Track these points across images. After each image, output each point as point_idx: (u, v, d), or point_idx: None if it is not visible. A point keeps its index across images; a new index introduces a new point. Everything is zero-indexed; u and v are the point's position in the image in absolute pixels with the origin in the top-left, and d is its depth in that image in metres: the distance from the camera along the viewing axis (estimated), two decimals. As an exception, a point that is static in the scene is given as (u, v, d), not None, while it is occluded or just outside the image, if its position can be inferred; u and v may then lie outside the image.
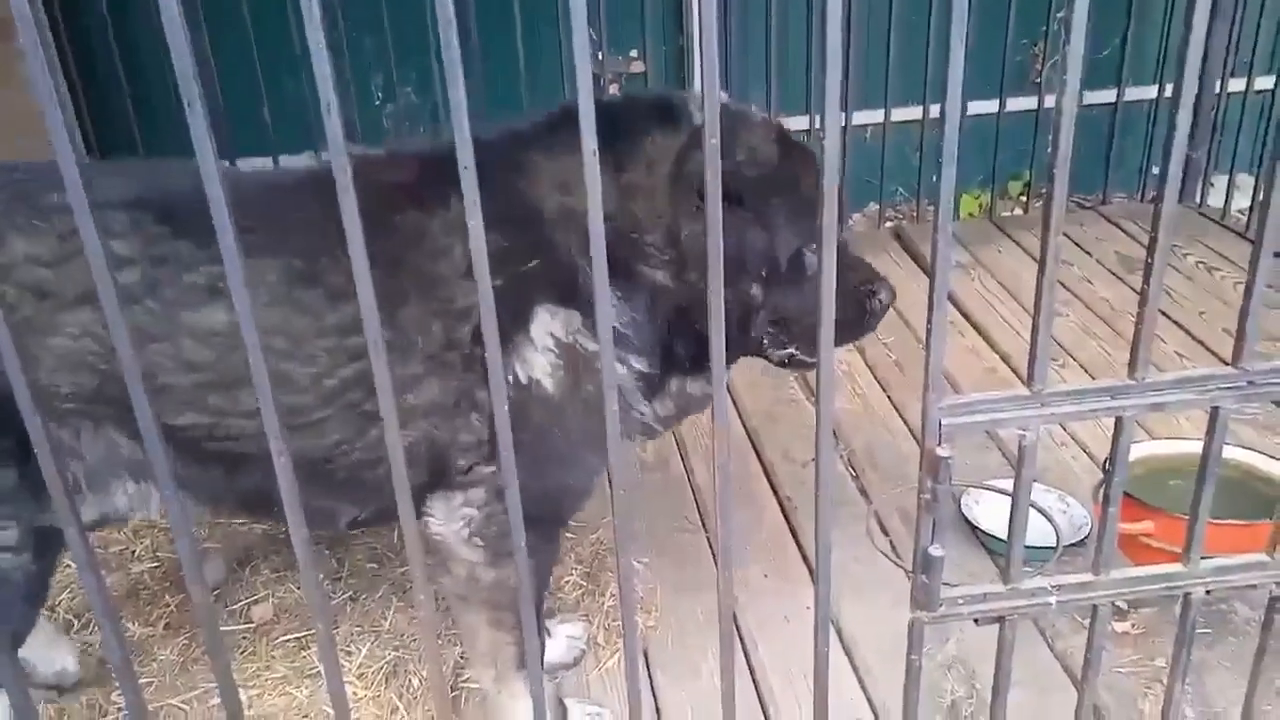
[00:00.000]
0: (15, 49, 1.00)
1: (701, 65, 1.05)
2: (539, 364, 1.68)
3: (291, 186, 1.80)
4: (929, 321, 1.21)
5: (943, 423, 1.25)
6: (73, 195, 1.03)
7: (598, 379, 1.62)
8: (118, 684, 1.74)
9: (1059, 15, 4.18)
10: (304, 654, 2.24)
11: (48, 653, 2.13)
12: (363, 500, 1.80)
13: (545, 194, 1.71)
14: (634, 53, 4.22)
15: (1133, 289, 3.70)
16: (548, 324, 1.67)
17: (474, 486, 1.75)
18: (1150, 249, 1.23)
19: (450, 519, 1.77)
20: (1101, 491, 2.07)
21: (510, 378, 1.65)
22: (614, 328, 1.68)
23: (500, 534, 1.75)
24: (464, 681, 2.14)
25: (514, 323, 1.65)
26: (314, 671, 2.19)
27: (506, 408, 1.21)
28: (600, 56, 4.09)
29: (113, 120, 3.94)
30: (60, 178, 1.04)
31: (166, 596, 2.41)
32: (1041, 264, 1.22)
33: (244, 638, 2.30)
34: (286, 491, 1.21)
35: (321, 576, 2.37)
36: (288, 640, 2.28)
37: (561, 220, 1.69)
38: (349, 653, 2.23)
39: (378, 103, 4.16)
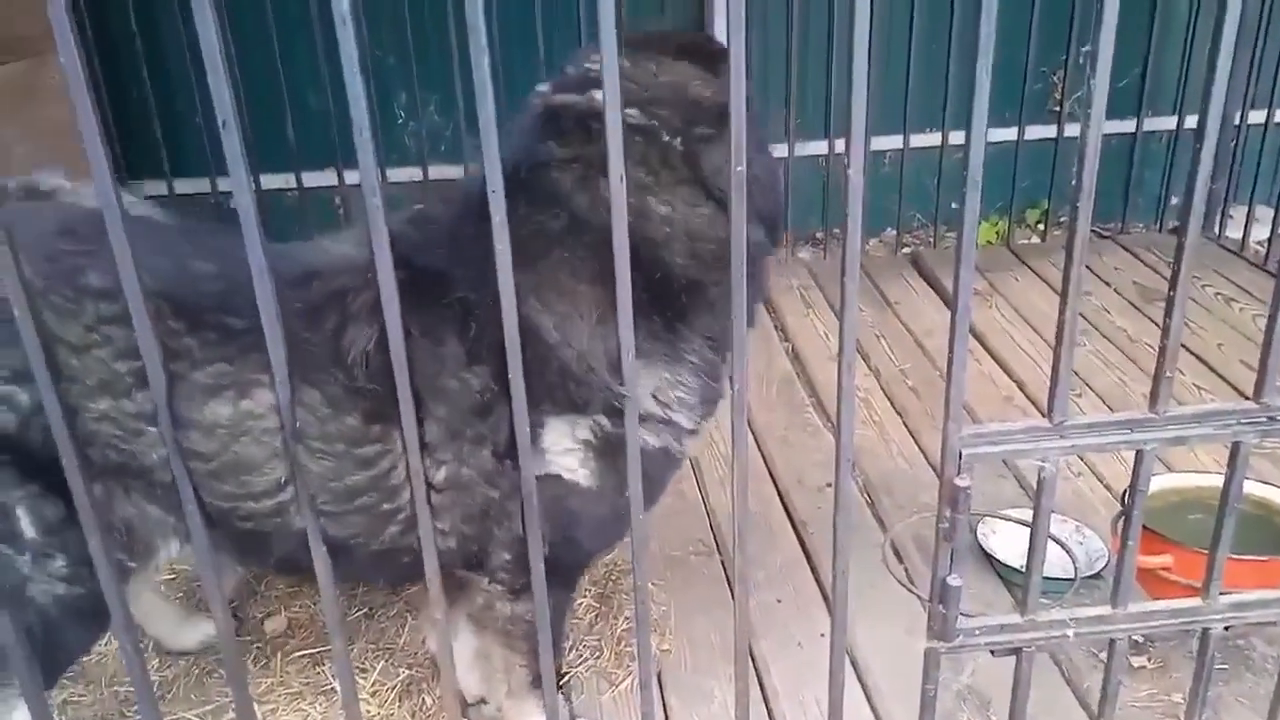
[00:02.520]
0: (39, 63, 1.02)
1: (732, 98, 1.06)
2: (564, 463, 1.68)
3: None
4: (950, 351, 1.22)
5: (962, 453, 1.25)
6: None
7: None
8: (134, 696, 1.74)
9: (1084, 49, 4.19)
10: (318, 670, 2.25)
11: (178, 632, 2.31)
12: (393, 575, 1.85)
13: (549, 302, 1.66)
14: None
15: (1150, 319, 3.69)
16: (565, 431, 1.67)
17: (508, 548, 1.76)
18: (1172, 283, 1.23)
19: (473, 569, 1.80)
20: (1120, 524, 2.07)
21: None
22: (661, 397, 1.70)
23: (521, 572, 1.76)
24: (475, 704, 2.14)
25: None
26: (328, 688, 2.19)
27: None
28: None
29: (140, 134, 3.99)
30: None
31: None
32: (1063, 296, 1.22)
33: (257, 647, 2.32)
34: (308, 516, 1.22)
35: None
36: (301, 655, 2.29)
37: (563, 323, 1.64)
38: (363, 670, 2.23)
39: (400, 121, 4.20)
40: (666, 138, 1.65)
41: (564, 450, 1.68)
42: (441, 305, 1.61)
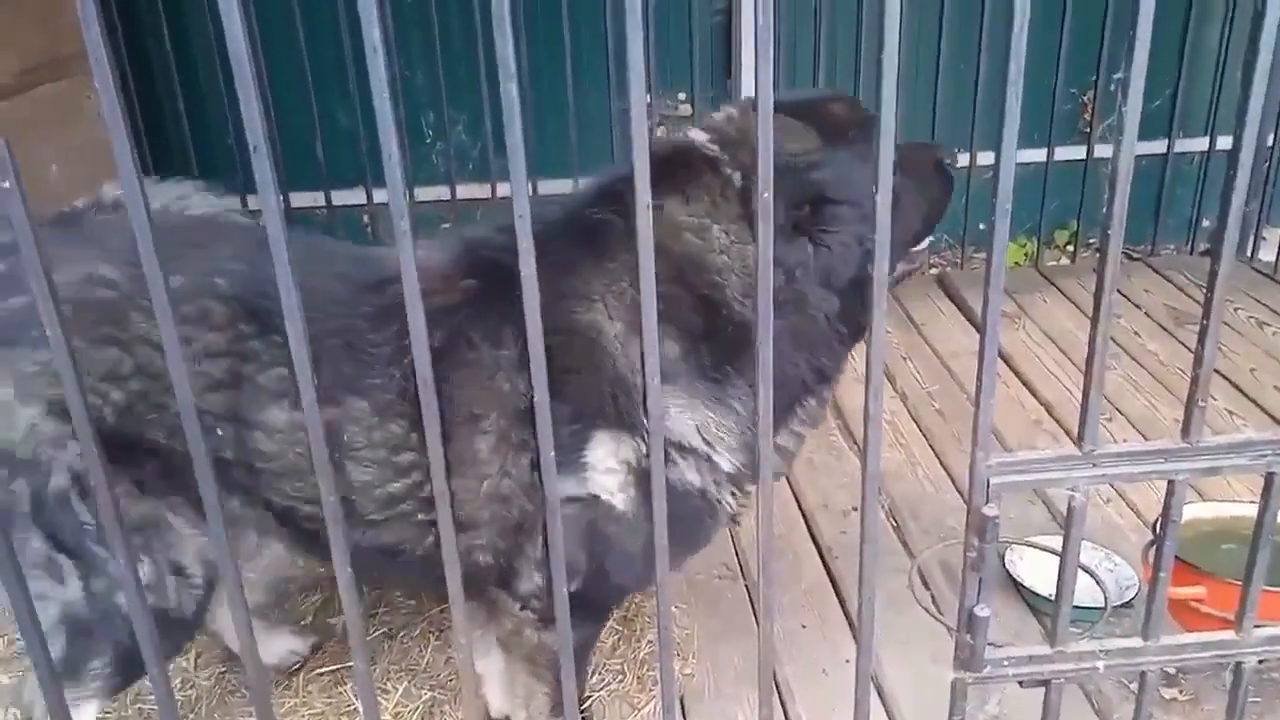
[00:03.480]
0: (76, 85, 1.03)
1: (758, 119, 1.06)
2: (604, 483, 1.67)
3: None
4: (979, 378, 1.21)
5: (991, 481, 1.24)
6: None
7: (677, 494, 1.63)
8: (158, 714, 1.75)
9: (1115, 76, 4.16)
10: (340, 690, 2.25)
11: (266, 644, 2.22)
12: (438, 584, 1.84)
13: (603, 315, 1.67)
14: (681, 95, 4.26)
15: (1181, 343, 3.65)
16: (612, 449, 1.65)
17: (539, 570, 1.75)
18: (1205, 311, 1.22)
19: (513, 594, 1.79)
20: (1151, 554, 2.04)
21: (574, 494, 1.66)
22: (705, 434, 1.69)
23: (552, 599, 1.75)
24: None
25: (572, 444, 1.64)
26: (350, 709, 2.19)
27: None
28: (649, 100, 4.13)
29: (172, 152, 4.04)
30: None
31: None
32: (1094, 323, 1.20)
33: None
34: (333, 530, 1.22)
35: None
36: (323, 674, 2.29)
37: (627, 333, 1.65)
38: (385, 691, 2.23)
39: (428, 140, 4.23)
40: (729, 171, 1.67)
41: (606, 470, 1.66)
42: (504, 306, 1.59)
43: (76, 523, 1.61)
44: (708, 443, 1.69)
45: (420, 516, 1.67)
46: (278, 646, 2.31)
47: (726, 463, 1.71)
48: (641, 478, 1.64)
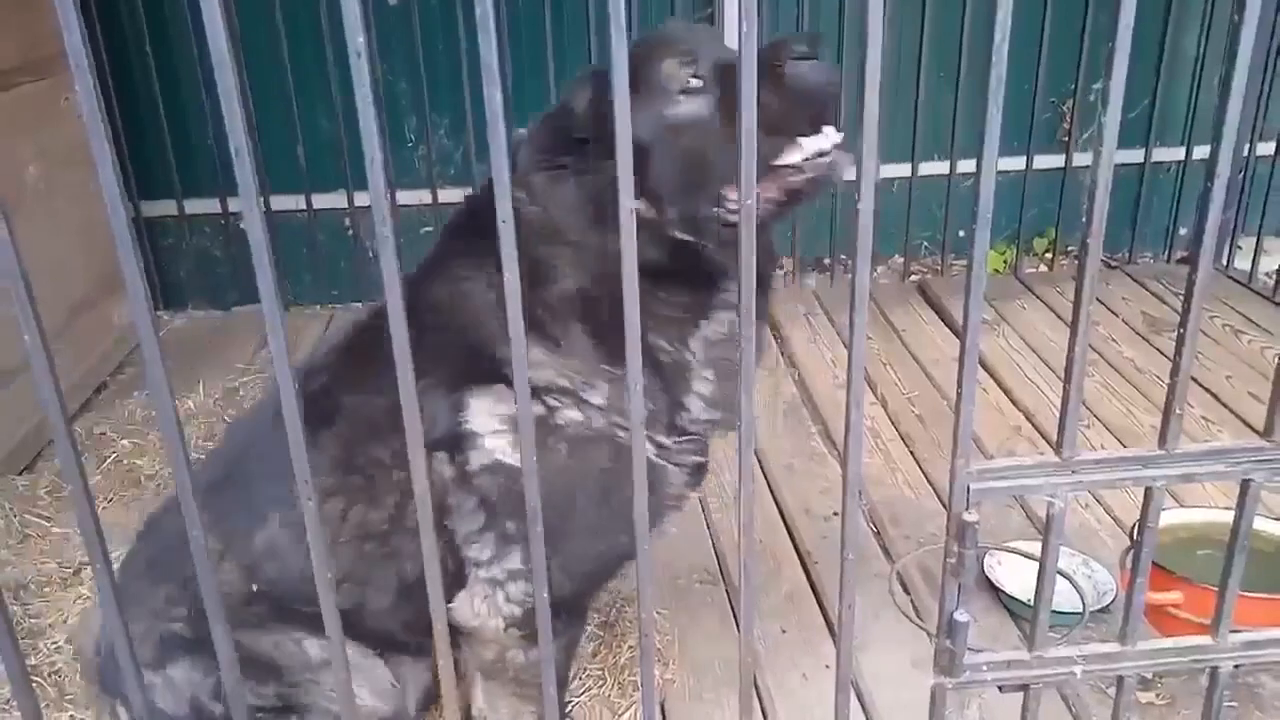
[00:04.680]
0: (53, 84, 1.03)
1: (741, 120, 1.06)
2: (497, 445, 1.63)
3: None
4: (959, 385, 1.21)
5: (971, 488, 1.25)
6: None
7: (573, 440, 1.63)
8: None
9: (1095, 86, 4.19)
10: None
11: None
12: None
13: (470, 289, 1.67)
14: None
15: (1158, 349, 3.68)
16: (488, 406, 1.63)
17: (514, 581, 1.71)
18: (1182, 320, 1.23)
19: (492, 614, 1.74)
20: (1129, 559, 2.05)
21: (470, 467, 1.65)
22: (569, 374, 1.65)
23: (530, 618, 1.72)
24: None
25: (451, 415, 1.63)
26: None
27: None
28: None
29: (151, 153, 4.02)
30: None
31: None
32: (1073, 332, 1.21)
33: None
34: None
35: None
36: None
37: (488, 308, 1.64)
38: None
39: (410, 145, 4.22)
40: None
41: (493, 432, 1.63)
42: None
43: None
44: (575, 384, 1.64)
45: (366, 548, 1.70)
46: None
47: (599, 397, 1.65)
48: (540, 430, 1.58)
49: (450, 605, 1.71)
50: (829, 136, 1.56)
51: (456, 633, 1.76)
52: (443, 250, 1.75)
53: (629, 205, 1.05)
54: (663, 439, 1.71)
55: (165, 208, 4.17)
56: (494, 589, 1.71)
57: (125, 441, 3.21)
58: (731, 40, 1.19)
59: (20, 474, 3.06)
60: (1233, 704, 2.10)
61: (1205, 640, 1.40)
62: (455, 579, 1.72)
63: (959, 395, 1.21)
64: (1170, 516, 2.34)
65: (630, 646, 2.33)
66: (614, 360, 1.61)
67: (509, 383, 1.55)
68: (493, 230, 1.05)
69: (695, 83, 1.53)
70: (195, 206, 4.17)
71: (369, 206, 1.08)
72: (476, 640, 1.78)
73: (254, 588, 1.71)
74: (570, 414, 1.64)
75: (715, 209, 1.57)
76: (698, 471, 1.82)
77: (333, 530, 1.68)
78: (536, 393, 1.59)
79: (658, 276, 1.54)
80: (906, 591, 2.50)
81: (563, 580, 1.68)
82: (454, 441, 1.63)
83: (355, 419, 1.68)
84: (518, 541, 1.65)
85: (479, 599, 1.72)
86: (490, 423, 1.63)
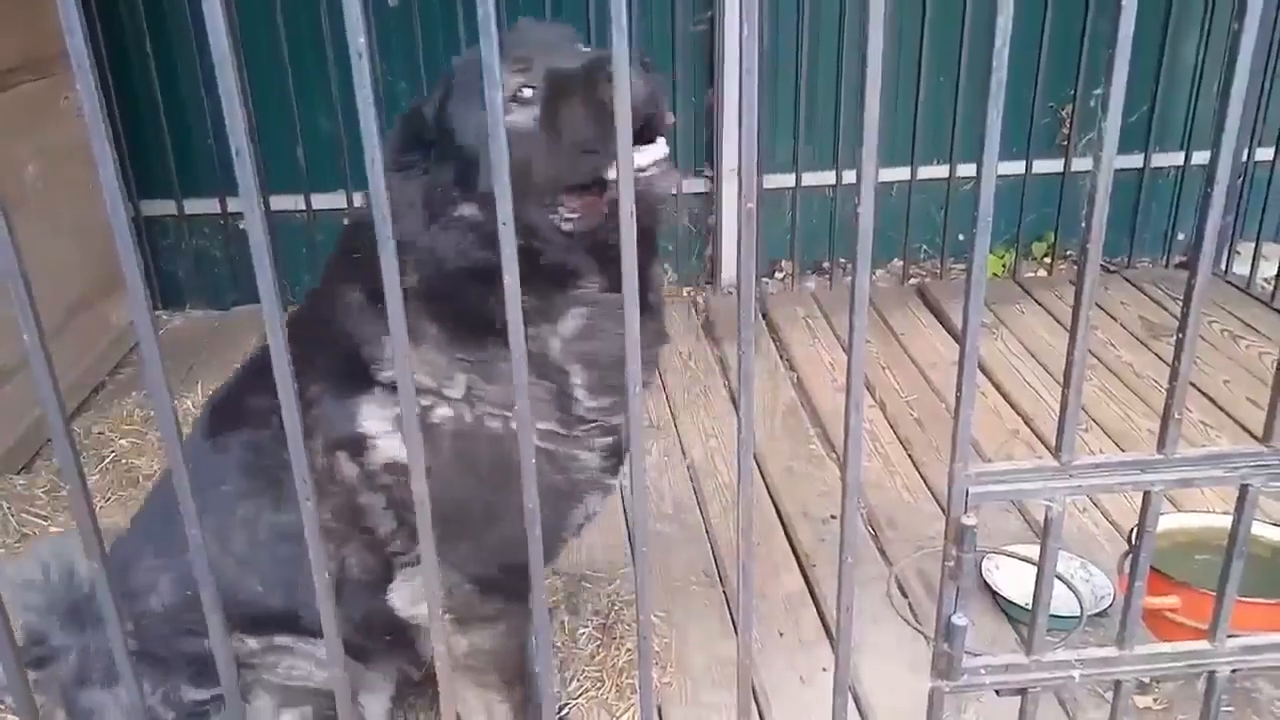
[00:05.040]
0: (53, 84, 1.03)
1: (741, 133, 1.06)
2: (392, 447, 1.65)
3: None
4: (958, 389, 1.21)
5: (970, 492, 1.25)
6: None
7: (453, 435, 1.65)
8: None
9: (1095, 92, 4.19)
10: None
11: None
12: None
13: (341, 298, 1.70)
14: (664, 105, 4.26)
15: (1156, 354, 3.69)
16: (376, 410, 1.66)
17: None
18: (1181, 325, 1.23)
19: (418, 601, 1.77)
20: (1126, 564, 2.05)
21: (372, 467, 1.68)
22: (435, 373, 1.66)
23: (464, 604, 1.76)
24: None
25: (345, 416, 1.67)
26: None
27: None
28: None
29: (151, 153, 4.02)
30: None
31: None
32: (1072, 337, 1.22)
33: None
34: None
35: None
36: None
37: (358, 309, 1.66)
38: None
39: (410, 146, 4.20)
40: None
41: (385, 434, 1.66)
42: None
43: None
44: (437, 380, 1.65)
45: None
46: None
47: (459, 390, 1.66)
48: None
49: (386, 599, 1.78)
50: (651, 152, 1.52)
51: (405, 630, 1.83)
52: (330, 264, 1.81)
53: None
54: (554, 427, 1.70)
55: (165, 207, 4.17)
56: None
57: (123, 441, 3.22)
58: (732, 40, 1.19)
59: (18, 473, 3.06)
60: (1230, 709, 2.10)
61: (1203, 645, 1.40)
62: (386, 574, 1.78)
63: (958, 399, 1.21)
64: (1168, 521, 2.34)
65: (628, 649, 2.33)
66: (467, 346, 1.63)
67: (383, 385, 1.63)
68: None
69: (526, 93, 1.53)
70: (195, 206, 4.17)
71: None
72: (420, 633, 1.84)
73: (188, 593, 1.69)
74: (442, 410, 1.66)
75: (551, 215, 1.57)
76: (613, 453, 1.79)
77: (249, 533, 1.73)
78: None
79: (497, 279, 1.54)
80: (904, 595, 2.50)
81: (486, 567, 1.74)
82: (352, 443, 1.67)
83: (260, 423, 1.71)
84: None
85: (407, 591, 1.77)
86: (381, 425, 1.66)
